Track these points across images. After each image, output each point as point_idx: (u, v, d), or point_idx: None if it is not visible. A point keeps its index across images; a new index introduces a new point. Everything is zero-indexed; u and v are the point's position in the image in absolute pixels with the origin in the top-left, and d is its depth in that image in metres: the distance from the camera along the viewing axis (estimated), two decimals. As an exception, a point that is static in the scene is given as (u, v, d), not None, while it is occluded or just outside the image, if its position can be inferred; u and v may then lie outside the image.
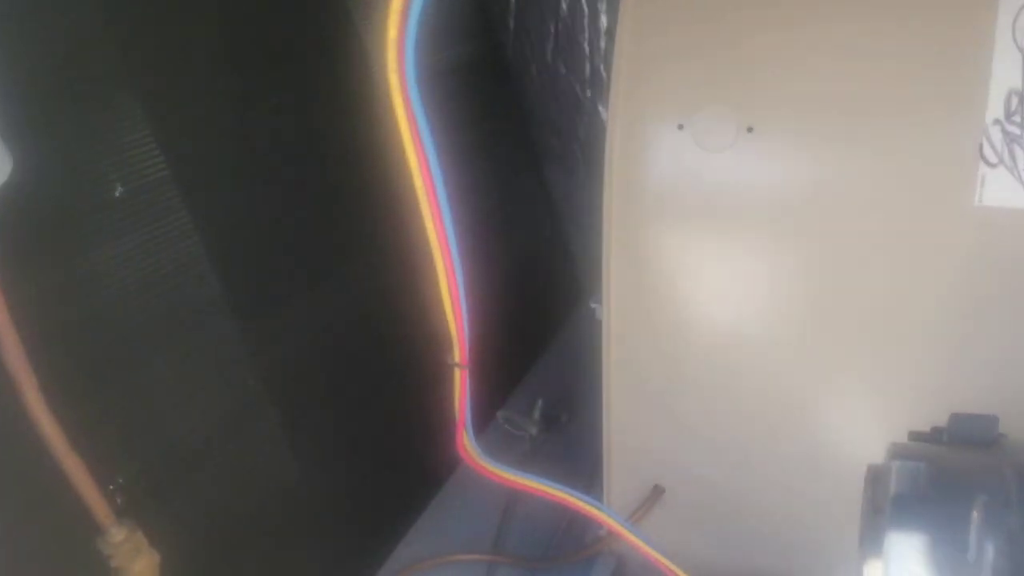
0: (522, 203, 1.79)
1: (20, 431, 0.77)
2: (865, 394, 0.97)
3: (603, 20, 1.61)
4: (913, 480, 0.58)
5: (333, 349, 1.23)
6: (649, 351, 1.03)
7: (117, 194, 0.92)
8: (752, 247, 0.97)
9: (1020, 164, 0.84)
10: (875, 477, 0.61)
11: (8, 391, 0.76)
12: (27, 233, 0.80)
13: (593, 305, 1.06)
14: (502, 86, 1.73)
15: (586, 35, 1.64)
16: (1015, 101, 0.84)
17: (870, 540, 0.58)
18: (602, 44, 1.64)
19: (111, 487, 0.87)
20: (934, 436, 0.65)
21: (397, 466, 1.31)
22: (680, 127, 0.95)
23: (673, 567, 0.96)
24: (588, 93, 1.70)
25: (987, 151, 0.85)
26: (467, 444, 0.87)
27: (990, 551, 0.50)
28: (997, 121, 0.84)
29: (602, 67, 1.66)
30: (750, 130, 0.93)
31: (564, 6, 1.63)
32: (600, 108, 1.71)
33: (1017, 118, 0.84)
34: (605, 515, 0.98)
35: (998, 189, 0.85)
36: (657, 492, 1.08)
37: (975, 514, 0.52)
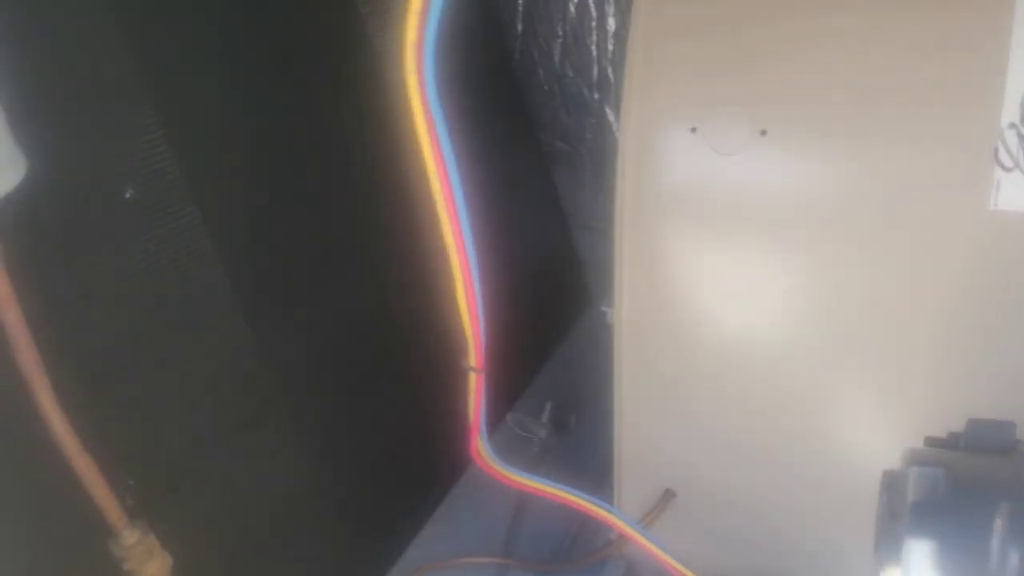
0: (529, 206, 1.79)
1: (32, 432, 0.77)
2: (879, 399, 0.96)
3: (611, 23, 1.61)
4: (932, 486, 0.57)
5: (343, 351, 1.23)
6: (661, 355, 1.03)
7: (128, 196, 0.92)
8: (766, 251, 0.96)
9: (1035, 168, 0.84)
10: (891, 483, 0.61)
11: (21, 391, 0.76)
12: (38, 234, 0.80)
13: (604, 309, 1.05)
14: (509, 89, 1.73)
15: (594, 38, 1.64)
16: (1031, 105, 0.83)
17: (886, 546, 0.57)
18: (610, 47, 1.64)
19: (122, 489, 0.87)
20: (951, 442, 0.65)
21: (407, 468, 1.31)
22: (693, 130, 0.95)
23: (686, 571, 0.96)
24: (596, 96, 1.70)
25: (1002, 155, 0.85)
26: (481, 449, 0.86)
27: (1014, 559, 0.50)
28: (1013, 125, 0.84)
29: (610, 70, 1.66)
30: (764, 133, 0.93)
31: (572, 9, 1.63)
32: (608, 111, 1.71)
33: (1033, 122, 0.84)
34: (619, 519, 0.97)
35: (1013, 193, 0.85)
36: (669, 496, 1.08)
37: (998, 521, 0.51)
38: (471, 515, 1.29)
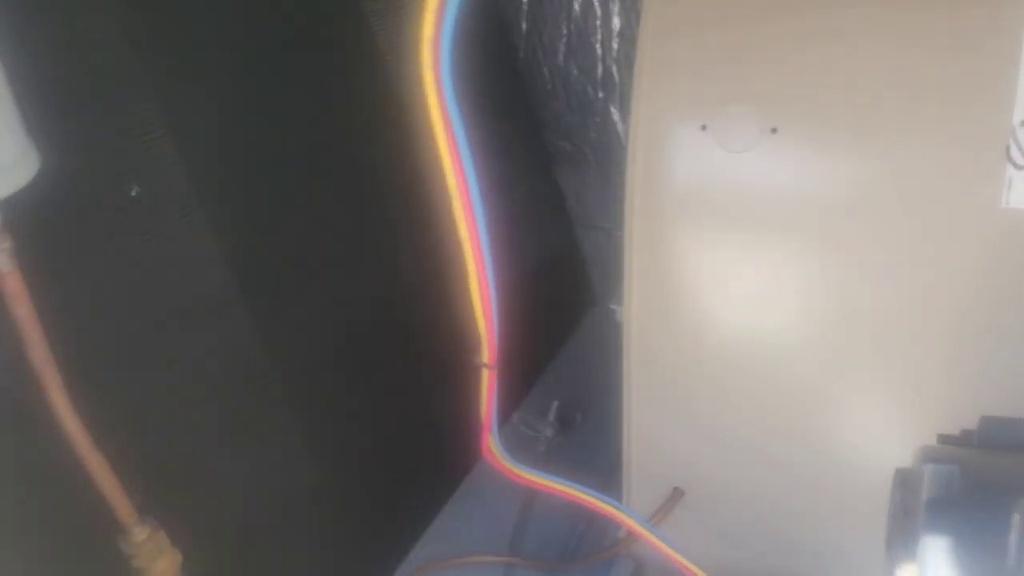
0: (534, 204, 1.79)
1: (43, 429, 0.77)
2: (891, 398, 0.96)
3: (615, 22, 1.61)
4: (947, 483, 0.57)
5: (348, 350, 1.22)
6: (670, 353, 1.03)
7: (134, 193, 0.92)
8: (776, 248, 0.96)
9: (1047, 166, 0.84)
10: (904, 481, 0.60)
11: (33, 388, 0.76)
12: (47, 232, 0.80)
13: (613, 307, 1.05)
14: (513, 88, 1.73)
15: (598, 37, 1.64)
16: (1043, 103, 0.83)
17: (900, 544, 0.57)
18: (614, 46, 1.64)
19: (132, 486, 0.86)
20: (964, 439, 0.64)
21: (414, 466, 1.31)
22: (703, 128, 0.95)
23: (696, 569, 0.96)
24: (600, 95, 1.70)
25: (1014, 153, 0.84)
26: (492, 446, 0.86)
27: (1032, 556, 0.50)
28: (1024, 123, 0.84)
29: (615, 69, 1.66)
30: (774, 131, 0.92)
31: (576, 8, 1.63)
32: (612, 110, 1.71)
33: (1045, 120, 0.84)
34: (628, 517, 0.97)
35: (1025, 191, 0.85)
36: (677, 494, 1.08)
37: (1016, 518, 0.51)
38: (478, 513, 1.29)
